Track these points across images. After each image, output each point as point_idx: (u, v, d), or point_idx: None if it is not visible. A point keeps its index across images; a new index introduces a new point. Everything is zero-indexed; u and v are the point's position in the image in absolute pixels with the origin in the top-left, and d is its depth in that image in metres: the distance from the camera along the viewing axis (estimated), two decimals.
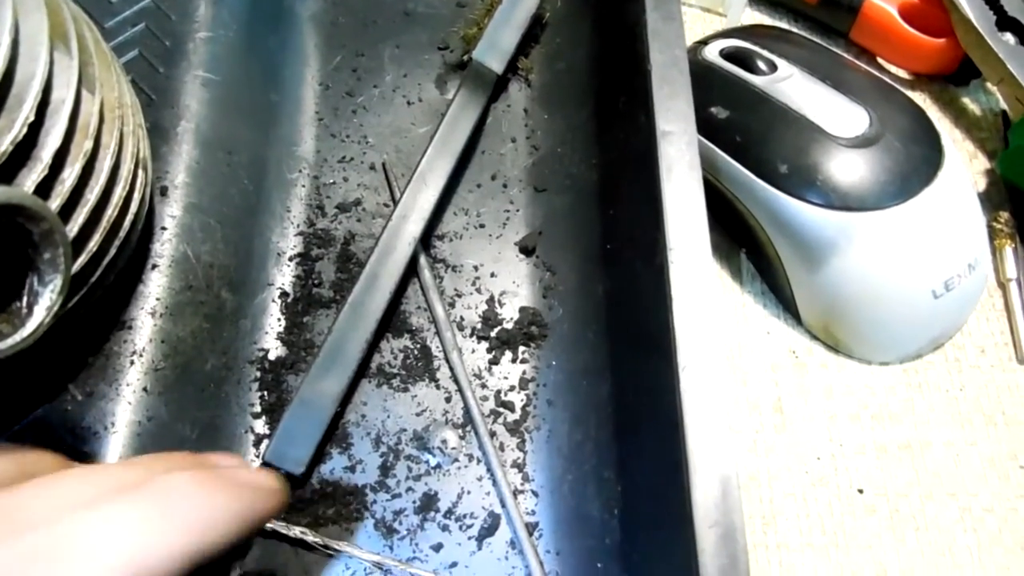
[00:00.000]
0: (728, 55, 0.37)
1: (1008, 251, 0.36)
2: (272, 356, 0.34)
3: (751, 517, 0.32)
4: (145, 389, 0.30)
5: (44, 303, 0.22)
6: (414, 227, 0.34)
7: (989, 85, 0.41)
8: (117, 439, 0.29)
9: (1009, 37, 0.38)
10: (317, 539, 0.30)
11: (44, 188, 0.24)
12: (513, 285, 0.36)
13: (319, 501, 0.31)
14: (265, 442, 0.32)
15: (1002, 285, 0.36)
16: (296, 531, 0.30)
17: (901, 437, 0.33)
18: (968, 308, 0.35)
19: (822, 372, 0.35)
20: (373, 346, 0.33)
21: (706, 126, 0.35)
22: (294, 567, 0.30)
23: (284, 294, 0.35)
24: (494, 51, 0.38)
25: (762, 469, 0.33)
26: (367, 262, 0.34)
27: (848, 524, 0.32)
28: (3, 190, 0.20)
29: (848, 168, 0.32)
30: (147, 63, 0.35)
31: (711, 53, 0.37)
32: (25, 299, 0.22)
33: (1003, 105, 0.41)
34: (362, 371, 0.33)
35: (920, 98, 0.42)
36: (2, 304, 0.22)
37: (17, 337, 0.21)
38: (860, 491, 0.32)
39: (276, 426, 0.31)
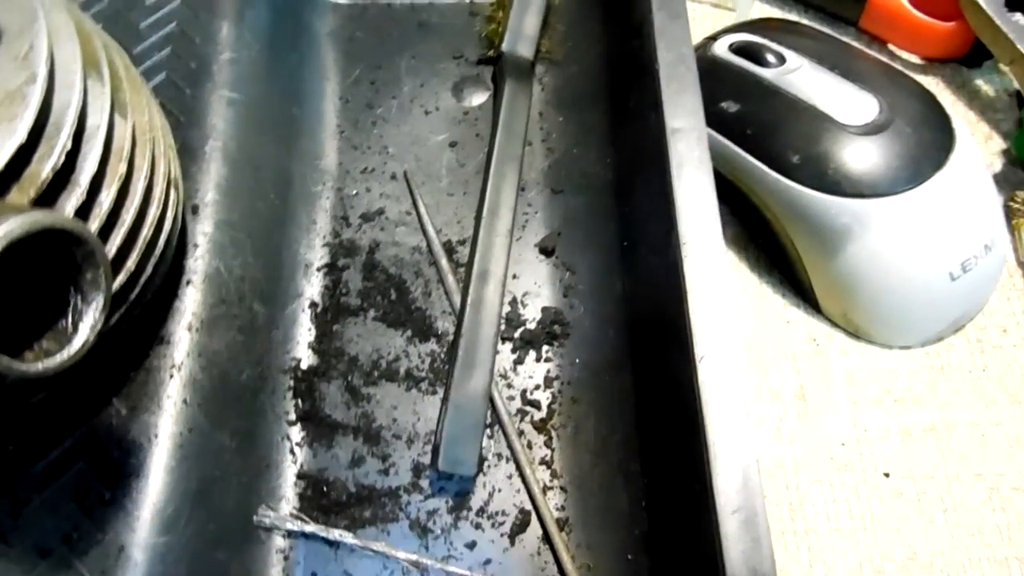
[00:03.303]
0: (737, 49, 0.37)
1: None
2: (304, 365, 0.35)
3: (778, 504, 0.32)
4: (185, 401, 0.31)
5: (88, 321, 0.23)
6: (505, 219, 0.36)
7: (1002, 66, 0.41)
8: (161, 450, 0.30)
9: (1019, 17, 0.38)
10: (356, 541, 0.31)
11: (83, 211, 0.25)
12: (535, 286, 0.36)
13: (356, 504, 0.32)
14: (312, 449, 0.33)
15: (1022, 265, 0.36)
16: (336, 533, 0.31)
17: (925, 420, 0.34)
18: (987, 289, 0.35)
19: (843, 358, 0.35)
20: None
21: (718, 120, 0.35)
22: (334, 568, 0.31)
23: (313, 304, 0.36)
24: (521, 39, 0.40)
25: (787, 456, 0.33)
26: (472, 261, 0.35)
27: (875, 508, 0.32)
28: (47, 215, 0.21)
29: (859, 155, 0.33)
30: (174, 85, 0.37)
31: (720, 48, 0.38)
32: (70, 318, 0.23)
33: (1016, 85, 0.41)
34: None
35: (933, 82, 0.42)
36: (47, 323, 0.23)
37: (65, 355, 0.22)
38: (886, 475, 0.33)
39: (312, 435, 0.33)
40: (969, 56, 0.41)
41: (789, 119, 0.34)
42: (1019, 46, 0.37)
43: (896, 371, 0.35)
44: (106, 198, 0.26)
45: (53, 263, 0.23)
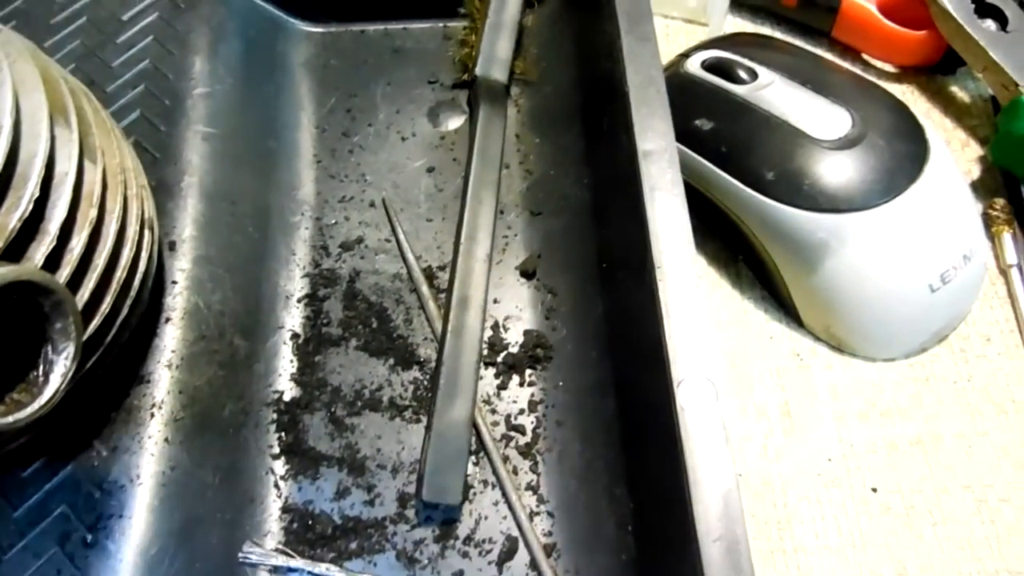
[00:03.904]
0: (709, 66, 0.37)
1: (1006, 237, 0.36)
2: (287, 397, 0.35)
3: (766, 523, 0.32)
4: (167, 440, 0.31)
5: (59, 370, 0.23)
6: (484, 244, 0.36)
7: (975, 72, 0.41)
8: (143, 490, 0.30)
9: (989, 24, 0.38)
10: (343, 574, 0.31)
11: (53, 259, 0.25)
12: (516, 309, 0.36)
13: (342, 536, 0.32)
14: (283, 484, 0.33)
15: (1003, 272, 0.36)
16: (322, 567, 0.31)
17: (911, 432, 0.33)
18: (969, 299, 0.35)
19: (827, 373, 0.35)
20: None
21: (692, 138, 0.35)
22: None
23: (295, 335, 0.36)
24: (495, 62, 0.40)
25: (774, 474, 0.33)
26: (451, 288, 0.35)
27: (864, 523, 0.32)
28: (11, 269, 0.21)
29: (834, 170, 0.33)
30: (149, 123, 0.37)
31: (693, 65, 0.38)
32: (41, 368, 0.23)
33: (991, 91, 0.41)
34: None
35: (908, 90, 0.42)
36: (20, 374, 0.23)
37: (35, 405, 0.22)
38: (874, 490, 0.32)
39: (296, 468, 0.32)
40: (943, 63, 0.41)
41: (763, 136, 0.34)
42: (991, 53, 0.37)
43: (881, 384, 0.34)
44: (77, 244, 0.26)
45: (22, 314, 0.23)
